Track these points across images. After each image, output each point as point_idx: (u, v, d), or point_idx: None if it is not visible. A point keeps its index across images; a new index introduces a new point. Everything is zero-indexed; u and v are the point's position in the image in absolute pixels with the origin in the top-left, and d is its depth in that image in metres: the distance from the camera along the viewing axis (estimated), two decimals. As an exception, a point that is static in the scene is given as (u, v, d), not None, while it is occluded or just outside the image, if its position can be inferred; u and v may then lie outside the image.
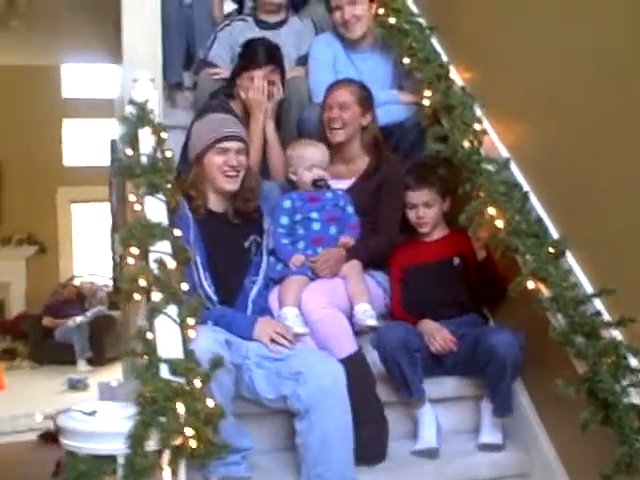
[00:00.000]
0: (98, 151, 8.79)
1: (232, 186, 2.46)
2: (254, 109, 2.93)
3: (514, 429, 2.52)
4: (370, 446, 2.29)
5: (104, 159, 6.13)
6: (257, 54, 3.00)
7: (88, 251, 9.47)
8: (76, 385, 6.71)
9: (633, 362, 1.96)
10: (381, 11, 3.01)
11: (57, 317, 8.13)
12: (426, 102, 2.74)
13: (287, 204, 2.64)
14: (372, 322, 2.43)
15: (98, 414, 1.60)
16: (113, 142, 4.12)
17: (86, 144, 9.38)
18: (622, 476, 1.87)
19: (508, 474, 2.44)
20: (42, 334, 8.09)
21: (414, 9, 3.05)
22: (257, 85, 2.93)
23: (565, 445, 2.35)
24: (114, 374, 6.46)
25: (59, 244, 9.35)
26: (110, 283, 8.17)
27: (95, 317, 8.12)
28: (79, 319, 7.98)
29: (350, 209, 2.71)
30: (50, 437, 4.96)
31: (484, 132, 2.57)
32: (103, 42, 4.83)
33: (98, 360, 7.68)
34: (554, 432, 2.41)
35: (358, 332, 2.46)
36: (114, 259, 4.07)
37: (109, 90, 8.12)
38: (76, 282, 8.91)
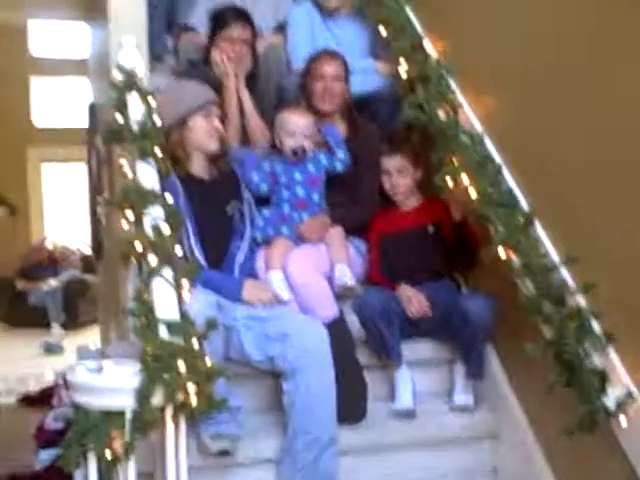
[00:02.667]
0: (68, 109, 8.72)
1: (216, 146, 2.55)
2: (223, 79, 2.96)
3: (485, 391, 2.62)
4: (351, 406, 2.40)
5: (78, 120, 6.06)
6: (224, 16, 3.05)
7: (60, 212, 9.36)
8: (52, 349, 6.71)
9: (595, 326, 2.06)
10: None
11: (30, 280, 8.06)
12: (402, 72, 2.77)
13: (266, 167, 2.71)
14: (351, 282, 2.54)
15: (104, 371, 1.66)
16: (92, 106, 4.14)
17: (56, 102, 9.21)
18: (584, 432, 1.99)
19: (479, 434, 2.56)
20: (15, 297, 8.04)
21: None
22: (216, 60, 2.98)
23: (532, 406, 2.46)
24: (88, 338, 6.48)
25: (30, 205, 9.25)
26: (84, 245, 8.15)
27: (68, 281, 8.06)
28: (53, 283, 7.93)
29: None
30: (30, 400, 4.97)
31: (459, 104, 2.62)
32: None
33: (71, 324, 7.66)
34: (522, 394, 2.51)
35: (339, 297, 2.56)
36: (94, 220, 4.09)
37: (79, 48, 7.96)
38: (48, 244, 8.75)
